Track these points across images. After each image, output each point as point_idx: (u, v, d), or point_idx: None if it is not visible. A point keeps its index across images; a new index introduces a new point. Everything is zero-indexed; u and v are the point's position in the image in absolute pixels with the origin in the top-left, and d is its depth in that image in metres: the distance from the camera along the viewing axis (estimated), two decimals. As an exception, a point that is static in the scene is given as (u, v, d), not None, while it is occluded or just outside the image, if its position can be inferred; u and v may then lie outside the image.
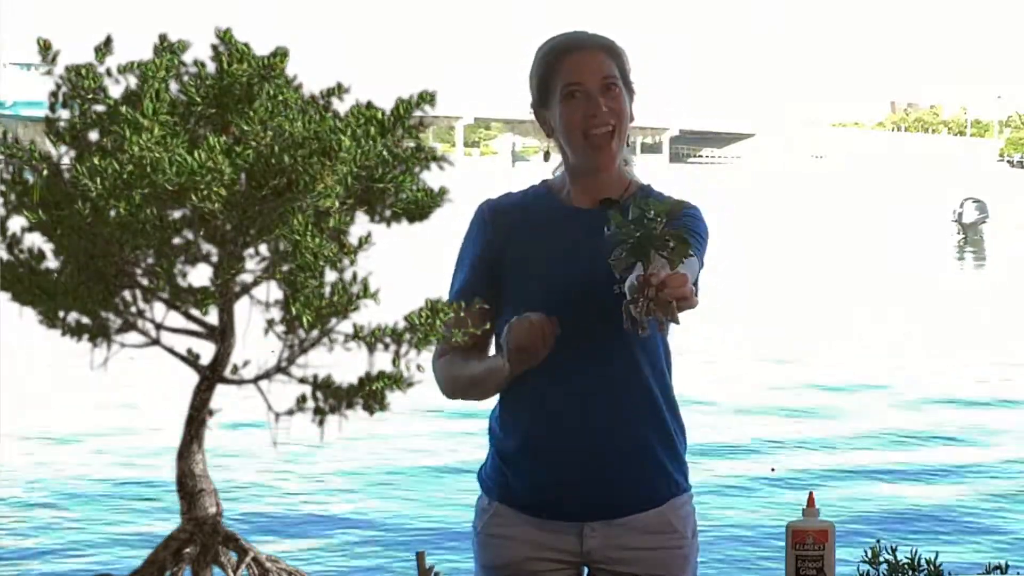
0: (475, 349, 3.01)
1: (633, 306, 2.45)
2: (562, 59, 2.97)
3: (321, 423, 1.72)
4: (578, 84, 2.95)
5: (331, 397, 1.71)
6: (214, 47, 1.69)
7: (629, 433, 3.01)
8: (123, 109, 1.64)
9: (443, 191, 1.76)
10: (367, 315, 1.71)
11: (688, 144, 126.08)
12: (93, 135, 1.70)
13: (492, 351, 3.05)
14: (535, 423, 3.01)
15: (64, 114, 1.72)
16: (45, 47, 1.68)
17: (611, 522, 3.01)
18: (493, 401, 3.11)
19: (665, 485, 3.06)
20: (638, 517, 3.02)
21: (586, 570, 3.07)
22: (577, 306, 2.94)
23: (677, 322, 2.47)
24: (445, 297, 1.75)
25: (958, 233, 33.96)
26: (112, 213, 1.63)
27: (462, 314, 1.75)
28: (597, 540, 3.01)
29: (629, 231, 2.39)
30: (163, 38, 1.71)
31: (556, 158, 3.12)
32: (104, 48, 1.71)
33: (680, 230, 2.48)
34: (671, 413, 3.08)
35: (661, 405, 3.05)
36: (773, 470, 9.90)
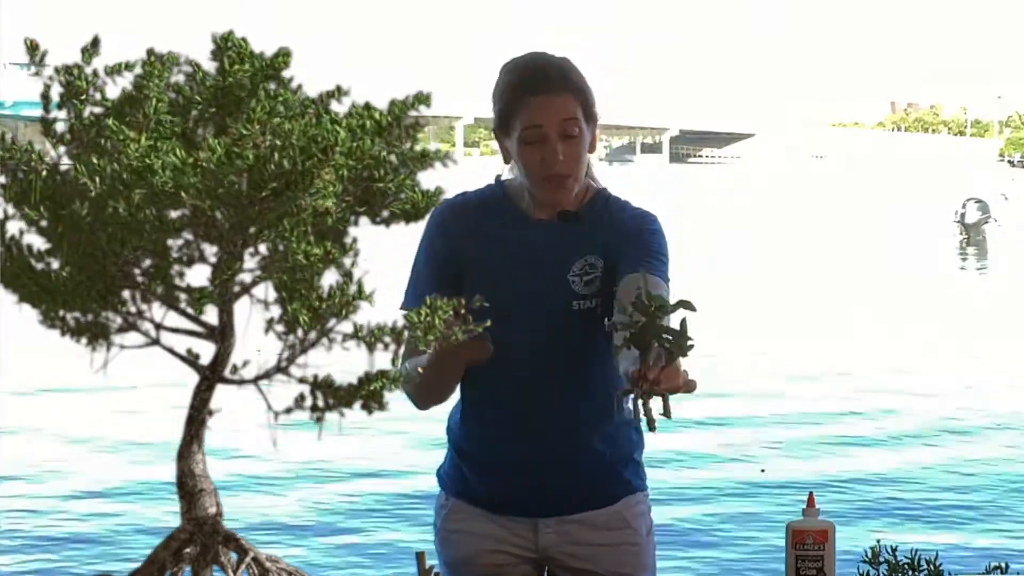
0: None
1: (627, 397, 2.47)
2: (524, 98, 2.93)
3: (319, 420, 1.72)
4: (537, 127, 2.91)
5: (331, 397, 1.72)
6: (214, 48, 1.69)
7: (582, 435, 3.04)
8: (110, 122, 1.64)
9: (439, 191, 1.76)
10: (366, 315, 1.72)
11: (688, 144, 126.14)
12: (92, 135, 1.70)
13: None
14: (491, 422, 3.04)
15: (59, 114, 1.72)
16: (32, 47, 1.68)
17: (565, 518, 3.06)
18: (454, 400, 3.13)
19: (618, 484, 3.10)
20: (591, 514, 3.07)
21: (547, 570, 3.12)
22: (535, 318, 2.98)
23: (669, 416, 2.48)
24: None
25: (960, 234, 33.95)
26: (111, 212, 1.63)
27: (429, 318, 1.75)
28: (551, 536, 3.06)
29: (629, 321, 2.34)
30: (151, 52, 1.71)
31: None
32: (91, 49, 1.71)
33: (682, 326, 2.38)
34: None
35: (611, 414, 3.07)
36: (763, 471, 9.91)
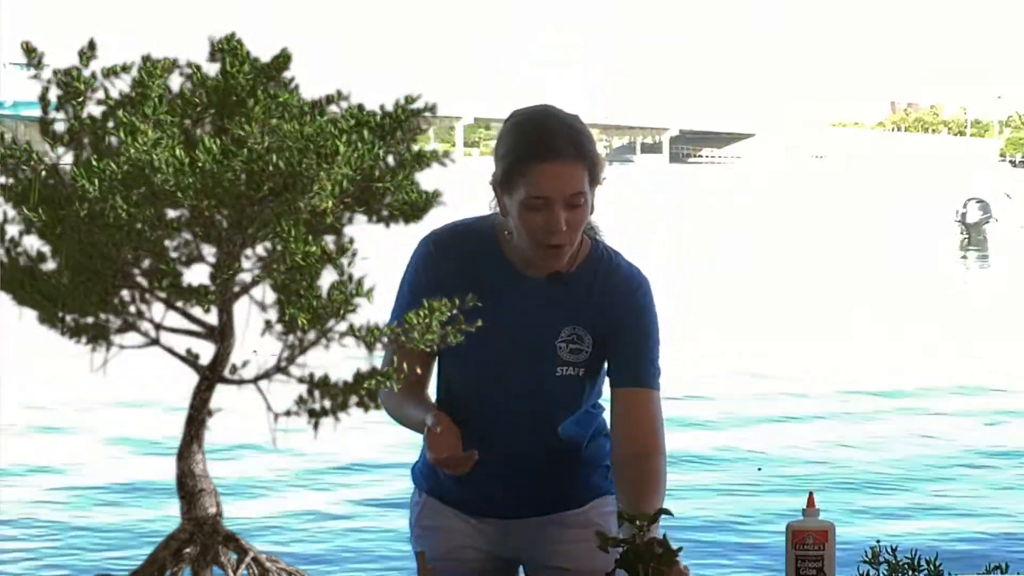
0: (416, 385, 3.00)
1: None
2: (531, 164, 2.81)
3: (316, 425, 1.73)
4: (543, 198, 2.81)
5: (327, 396, 1.72)
6: (214, 49, 1.69)
7: (553, 444, 3.07)
8: (120, 113, 1.64)
9: (436, 193, 1.76)
10: (364, 314, 1.72)
11: (688, 144, 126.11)
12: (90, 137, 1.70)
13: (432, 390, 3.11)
14: (465, 427, 3.01)
15: (58, 115, 1.72)
16: (29, 50, 1.68)
17: (536, 519, 3.10)
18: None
19: (588, 489, 3.13)
20: (561, 515, 3.11)
21: (522, 569, 3.17)
22: (510, 378, 3.01)
23: None
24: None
25: (961, 233, 33.93)
26: (109, 213, 1.63)
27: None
28: (522, 538, 3.10)
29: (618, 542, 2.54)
30: (146, 59, 1.71)
31: None
32: (89, 52, 1.71)
33: (665, 538, 2.53)
34: (599, 426, 3.15)
35: (590, 419, 3.13)
36: (759, 469, 9.92)
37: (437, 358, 3.05)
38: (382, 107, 1.71)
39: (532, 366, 3.00)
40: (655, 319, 3.01)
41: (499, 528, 3.11)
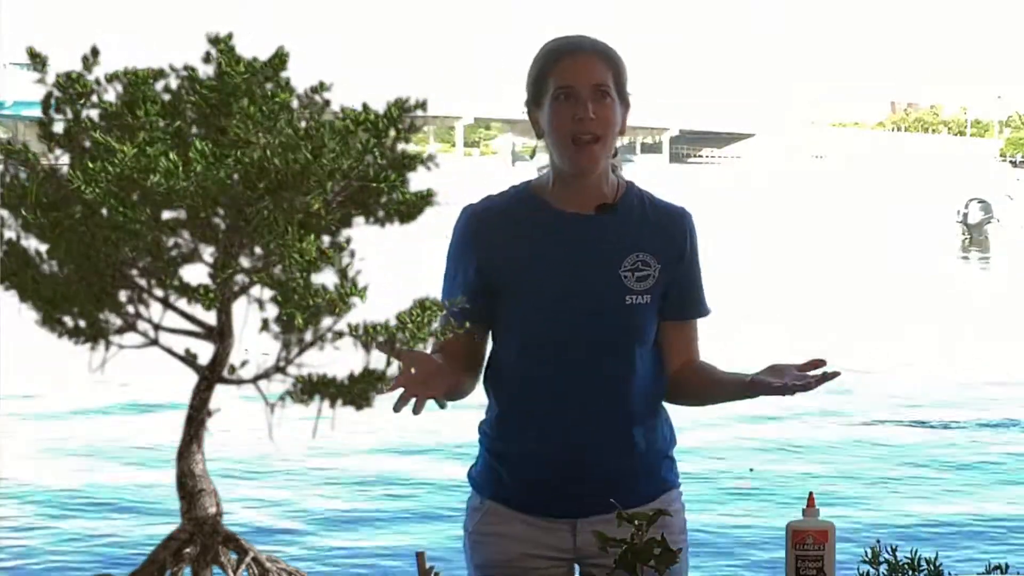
0: (459, 361, 2.97)
1: None
2: (558, 61, 2.94)
3: (314, 430, 1.73)
4: (569, 87, 2.91)
5: (324, 397, 1.72)
6: (207, 51, 1.70)
7: (625, 438, 3.03)
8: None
9: (430, 192, 1.77)
10: (362, 313, 1.72)
11: (688, 144, 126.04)
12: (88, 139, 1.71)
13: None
14: (529, 422, 3.01)
15: (57, 116, 1.73)
16: (33, 55, 1.69)
17: (602, 517, 2.98)
18: (484, 401, 3.11)
19: (656, 482, 3.09)
20: (629, 513, 3.03)
21: (577, 568, 3.08)
22: (577, 316, 2.96)
23: None
24: (435, 295, 1.78)
25: (963, 234, 33.90)
26: (106, 214, 1.64)
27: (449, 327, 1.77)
28: (589, 536, 2.99)
29: (616, 546, 2.50)
30: (136, 72, 1.71)
31: (541, 157, 3.11)
32: (92, 58, 1.72)
33: (663, 539, 2.50)
34: (662, 412, 3.12)
35: (654, 404, 3.09)
36: (752, 470, 9.91)
37: (490, 331, 3.01)
38: (365, 106, 1.71)
39: (601, 298, 2.96)
40: (698, 247, 3.11)
41: (566, 528, 3.02)
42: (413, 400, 2.62)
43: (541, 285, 2.96)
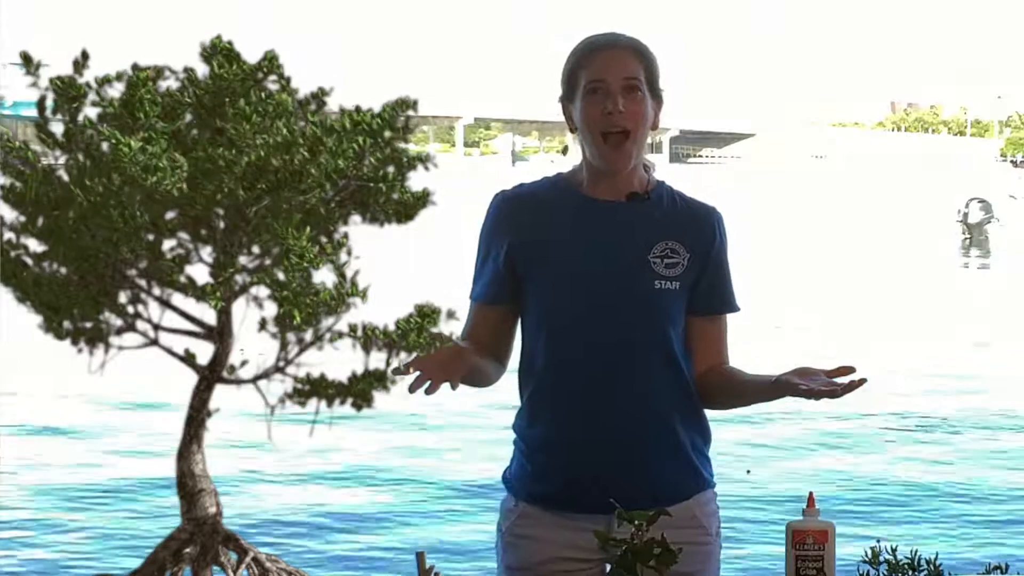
0: (491, 346, 3.02)
1: None
2: (590, 56, 2.98)
3: (311, 431, 1.73)
4: (601, 81, 2.95)
5: (322, 397, 1.72)
6: (204, 52, 1.70)
7: (660, 426, 3.02)
8: (104, 128, 1.65)
9: (427, 192, 1.77)
10: (362, 313, 1.72)
11: (688, 144, 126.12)
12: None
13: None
14: (565, 418, 3.00)
15: (55, 117, 1.73)
16: (26, 59, 1.69)
17: (640, 514, 2.99)
18: (516, 401, 3.10)
19: (692, 479, 3.07)
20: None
21: (608, 567, 3.03)
22: (606, 298, 2.97)
23: None
24: (434, 301, 1.77)
25: (963, 234, 33.88)
26: (103, 215, 1.64)
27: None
28: (624, 535, 2.99)
29: (615, 549, 2.48)
30: (136, 67, 1.71)
31: (574, 154, 3.13)
32: (82, 62, 1.72)
33: (664, 539, 2.46)
34: (698, 408, 3.11)
35: (690, 399, 3.08)
36: (749, 472, 9.91)
37: (520, 319, 3.03)
38: (358, 108, 1.72)
39: (631, 283, 2.97)
40: (727, 245, 3.14)
41: (600, 525, 2.88)
42: (428, 382, 2.65)
43: (571, 266, 2.98)
